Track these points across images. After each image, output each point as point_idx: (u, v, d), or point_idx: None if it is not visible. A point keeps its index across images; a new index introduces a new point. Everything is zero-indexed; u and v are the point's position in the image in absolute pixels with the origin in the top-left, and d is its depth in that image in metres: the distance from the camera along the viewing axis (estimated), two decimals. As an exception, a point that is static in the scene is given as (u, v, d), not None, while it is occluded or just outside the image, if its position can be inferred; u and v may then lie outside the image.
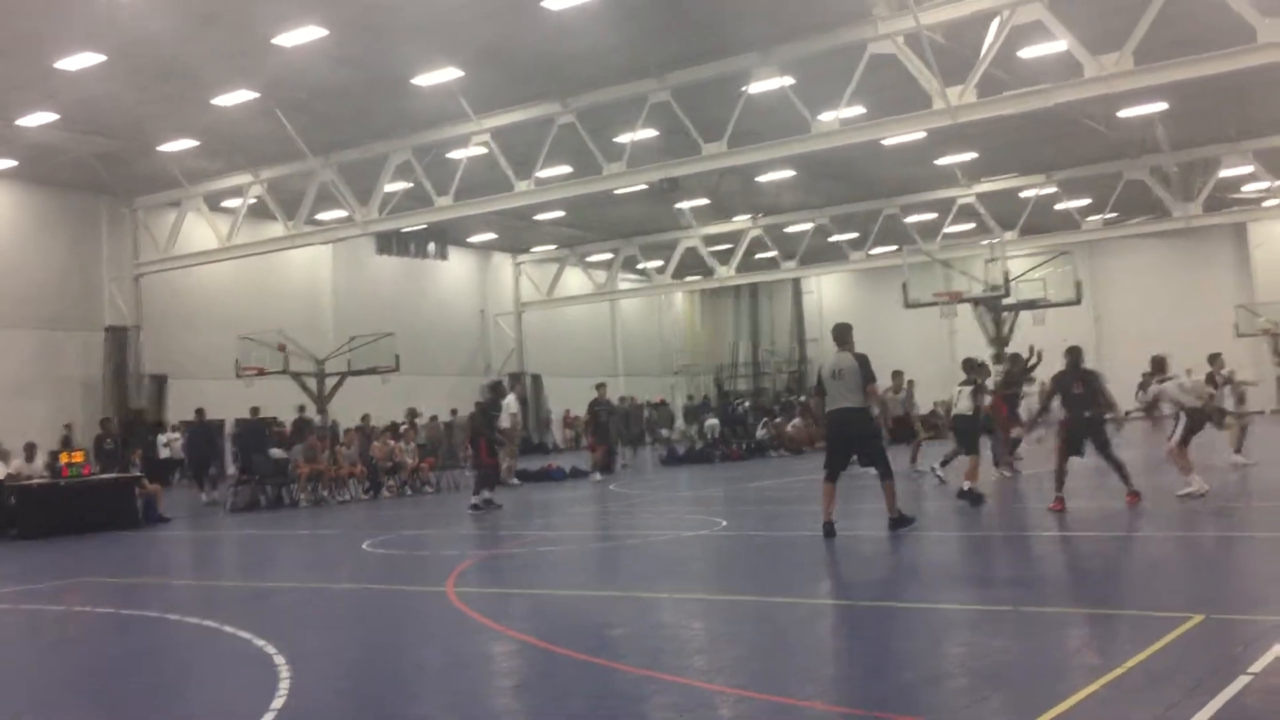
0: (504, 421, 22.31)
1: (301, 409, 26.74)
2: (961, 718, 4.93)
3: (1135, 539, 11.18)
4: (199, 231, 32.03)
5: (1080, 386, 12.91)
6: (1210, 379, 17.03)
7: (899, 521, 11.71)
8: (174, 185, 30.49)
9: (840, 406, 11.69)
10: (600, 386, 26.00)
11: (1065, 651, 6.18)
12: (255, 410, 23.79)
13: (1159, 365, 15.31)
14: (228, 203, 32.12)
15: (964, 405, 15.87)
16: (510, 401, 23.48)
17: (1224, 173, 34.02)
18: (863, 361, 11.61)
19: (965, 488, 14.52)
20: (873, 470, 11.95)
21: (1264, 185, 35.19)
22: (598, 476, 24.12)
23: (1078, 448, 13.00)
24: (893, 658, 6.43)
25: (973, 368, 16.47)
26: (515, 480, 23.99)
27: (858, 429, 11.72)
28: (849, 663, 6.46)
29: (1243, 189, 37.77)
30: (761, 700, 5.57)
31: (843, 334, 12.10)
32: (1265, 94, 27.37)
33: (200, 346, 33.29)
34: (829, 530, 11.54)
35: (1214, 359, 17.64)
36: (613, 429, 26.58)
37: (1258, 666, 5.42)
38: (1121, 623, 6.95)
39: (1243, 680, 5.19)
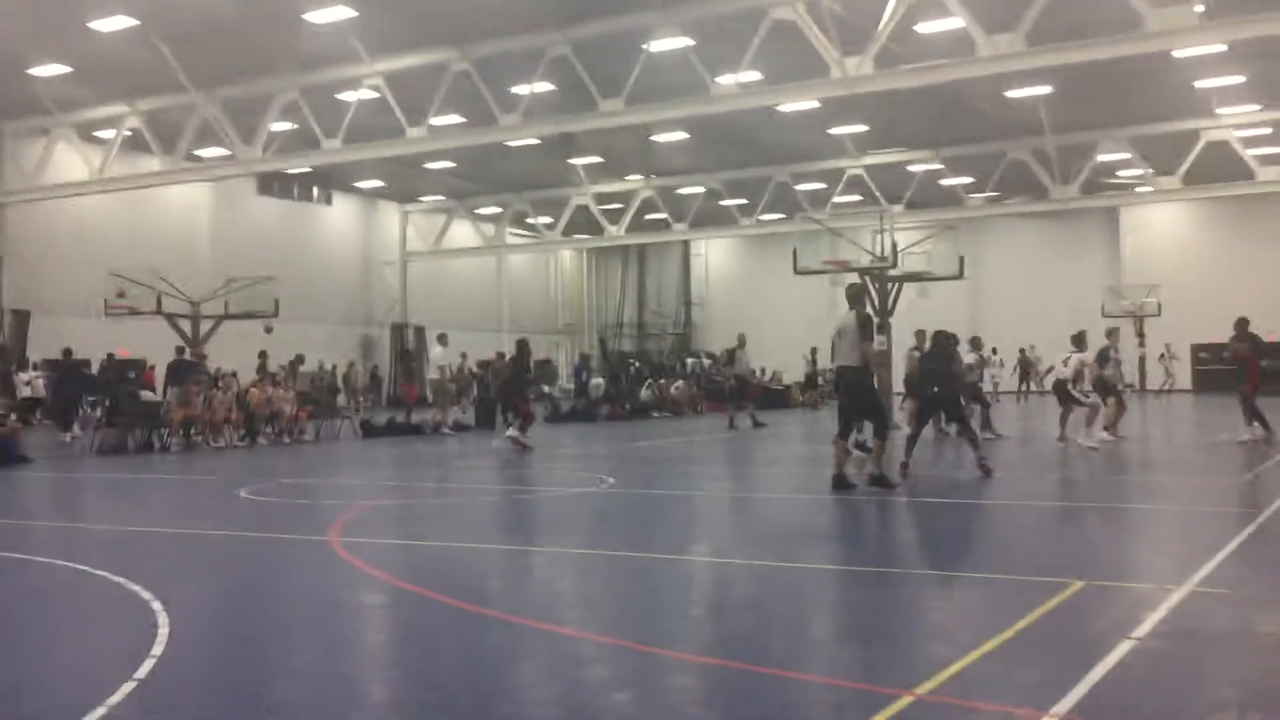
0: (431, 372, 22.77)
1: (181, 350, 25.82)
2: (847, 678, 4.99)
3: (1007, 508, 11.51)
4: (69, 162, 30.60)
5: (935, 363, 13.78)
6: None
7: (880, 480, 11.85)
8: (44, 112, 29.01)
9: (840, 364, 11.94)
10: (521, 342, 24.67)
11: (951, 615, 6.31)
12: (68, 351, 25.18)
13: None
14: (101, 133, 30.76)
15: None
16: (440, 354, 23.58)
17: (1101, 157, 35.17)
18: (862, 321, 11.79)
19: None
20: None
21: (1138, 172, 36.48)
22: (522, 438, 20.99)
23: (927, 419, 14.15)
24: (774, 617, 6.48)
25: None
26: (448, 430, 24.28)
27: (855, 387, 11.92)
28: (729, 620, 6.49)
29: (1118, 174, 39.11)
30: (638, 651, 5.59)
31: (854, 294, 12.30)
32: (1144, 82, 28.27)
33: (67, 282, 31.93)
34: (838, 482, 11.71)
35: (1111, 334, 18.83)
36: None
37: (1140, 631, 5.59)
38: (1005, 588, 7.12)
39: (1126, 645, 5.35)
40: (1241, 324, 18.11)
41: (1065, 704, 4.45)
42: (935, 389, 13.72)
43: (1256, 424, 17.29)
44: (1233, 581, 6.91)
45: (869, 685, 4.88)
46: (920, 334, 19.51)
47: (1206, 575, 6.99)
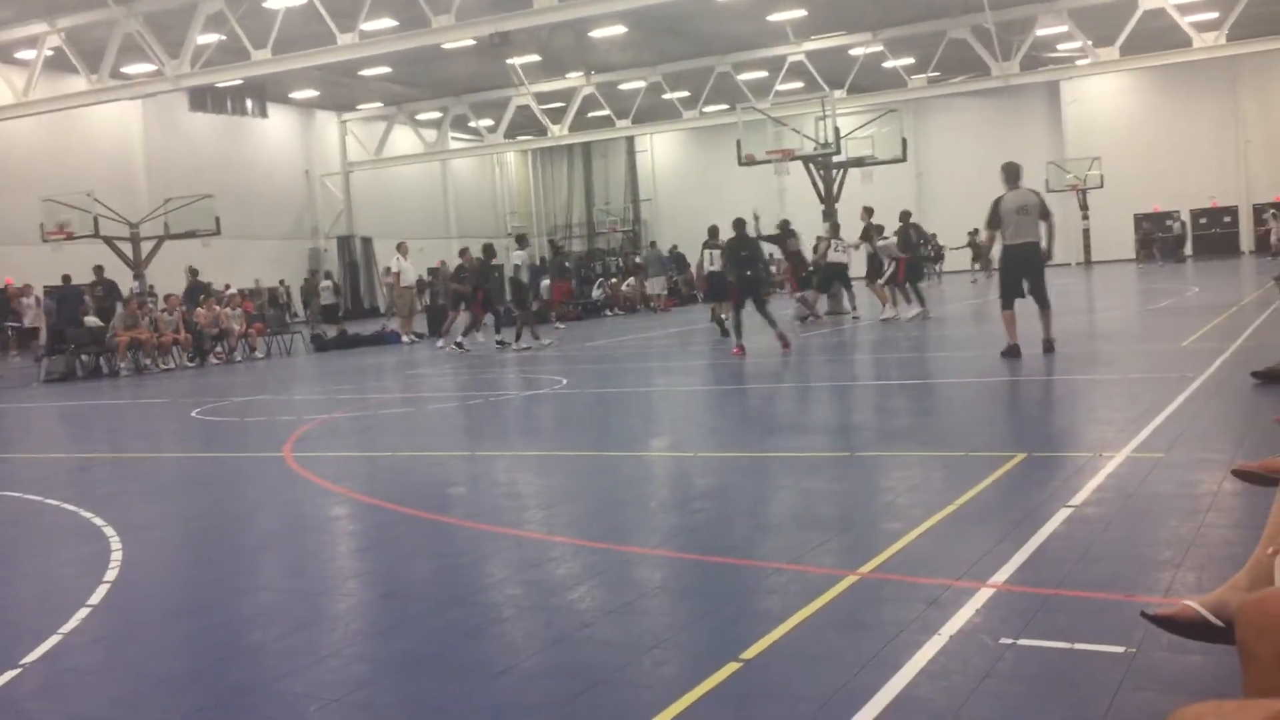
0: (405, 280, 24.94)
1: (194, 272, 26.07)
2: (806, 560, 5.10)
3: (955, 386, 11.70)
4: (-9, 85, 29.69)
5: (746, 250, 15.73)
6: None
7: (1050, 345, 12.61)
8: (-41, 35, 28.08)
9: (1028, 240, 12.50)
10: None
11: (899, 493, 6.44)
12: (66, 277, 23.33)
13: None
14: (22, 54, 29.78)
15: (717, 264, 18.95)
16: (403, 266, 24.58)
17: (1040, 32, 35.03)
18: (1043, 199, 12.64)
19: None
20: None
21: (1077, 44, 36.38)
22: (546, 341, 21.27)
23: (744, 301, 15.57)
24: (734, 506, 6.60)
25: (715, 234, 19.46)
26: (409, 339, 24.65)
27: (1037, 263, 12.60)
28: (691, 512, 6.58)
29: (1057, 48, 38.98)
30: (604, 550, 5.66)
31: (1017, 172, 12.78)
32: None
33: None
34: (1015, 352, 12.32)
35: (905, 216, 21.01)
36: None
37: (1077, 499, 5.76)
38: (950, 464, 7.25)
39: (1064, 512, 5.52)
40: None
41: (1003, 574, 4.58)
42: (749, 273, 15.43)
43: None
44: (1166, 445, 7.08)
45: (818, 568, 4.99)
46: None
47: (1142, 441, 7.18)
